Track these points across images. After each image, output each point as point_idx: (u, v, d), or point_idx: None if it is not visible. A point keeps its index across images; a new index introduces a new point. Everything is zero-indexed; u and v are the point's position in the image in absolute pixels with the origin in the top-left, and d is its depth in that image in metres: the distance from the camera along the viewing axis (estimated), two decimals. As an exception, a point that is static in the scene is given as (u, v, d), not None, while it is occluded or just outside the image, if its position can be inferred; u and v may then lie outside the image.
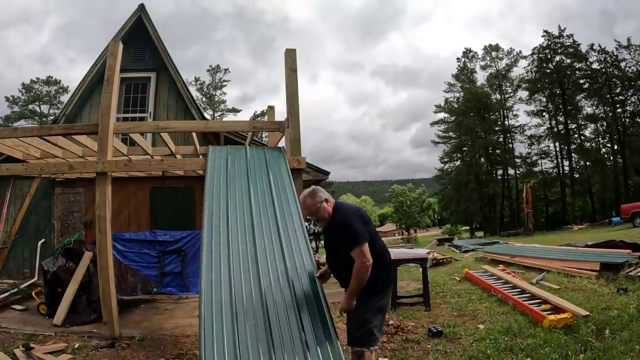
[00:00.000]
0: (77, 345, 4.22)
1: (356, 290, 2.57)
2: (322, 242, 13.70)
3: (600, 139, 34.58)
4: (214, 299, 2.80)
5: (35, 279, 7.34)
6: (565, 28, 35.17)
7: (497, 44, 39.30)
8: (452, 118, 40.48)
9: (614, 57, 32.57)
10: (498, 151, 37.94)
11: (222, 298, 2.82)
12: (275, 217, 3.62)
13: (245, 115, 56.57)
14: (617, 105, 32.54)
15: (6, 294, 6.39)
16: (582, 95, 34.14)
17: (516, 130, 37.62)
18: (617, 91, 32.66)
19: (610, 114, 32.66)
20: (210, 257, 3.17)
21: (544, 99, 35.72)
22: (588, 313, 4.18)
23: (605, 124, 33.40)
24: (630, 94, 32.05)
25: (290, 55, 4.99)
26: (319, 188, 2.83)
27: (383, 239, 2.99)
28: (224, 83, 46.59)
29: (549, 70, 34.83)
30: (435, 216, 63.37)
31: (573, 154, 34.63)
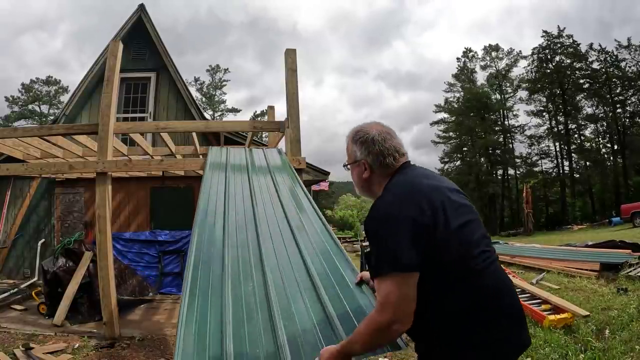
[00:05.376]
0: (77, 345, 4.22)
1: (354, 346, 1.32)
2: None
3: (600, 139, 34.56)
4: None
5: (35, 279, 7.34)
6: (565, 28, 35.15)
7: (497, 44, 39.27)
8: (452, 118, 40.47)
9: (614, 57, 32.57)
10: (498, 151, 37.90)
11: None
12: (284, 211, 3.20)
13: (245, 116, 56.59)
14: (617, 105, 32.50)
15: (6, 294, 6.39)
16: (582, 95, 34.11)
17: (516, 130, 37.60)
18: (617, 91, 32.62)
19: (610, 114, 32.62)
20: (197, 269, 2.58)
21: (544, 99, 35.69)
22: (588, 313, 4.19)
23: (605, 124, 33.36)
24: (630, 94, 32.01)
25: (290, 56, 4.98)
26: (363, 129, 1.54)
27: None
28: (224, 83, 46.61)
29: (549, 71, 34.78)
30: (435, 216, 63.21)
31: (573, 154, 34.62)
